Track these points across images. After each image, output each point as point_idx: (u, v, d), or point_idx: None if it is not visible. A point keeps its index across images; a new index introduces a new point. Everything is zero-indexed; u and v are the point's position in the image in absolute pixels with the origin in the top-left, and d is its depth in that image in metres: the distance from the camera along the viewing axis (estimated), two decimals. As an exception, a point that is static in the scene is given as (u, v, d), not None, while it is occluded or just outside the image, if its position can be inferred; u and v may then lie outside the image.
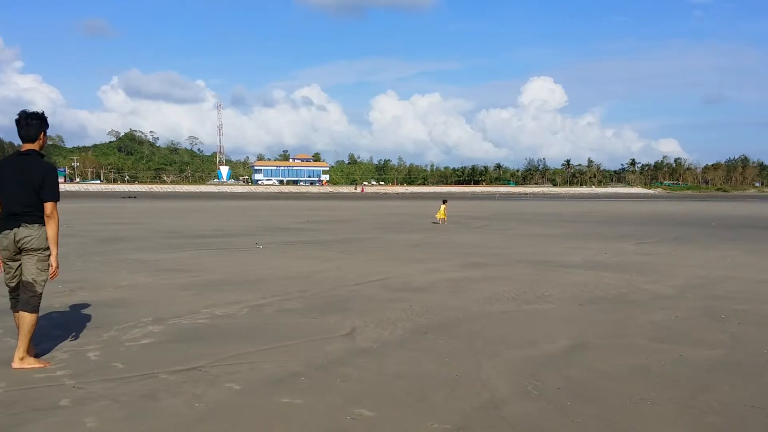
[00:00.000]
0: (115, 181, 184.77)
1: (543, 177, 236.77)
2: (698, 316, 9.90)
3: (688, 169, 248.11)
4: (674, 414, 5.71)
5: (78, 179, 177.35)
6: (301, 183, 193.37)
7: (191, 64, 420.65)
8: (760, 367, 7.20)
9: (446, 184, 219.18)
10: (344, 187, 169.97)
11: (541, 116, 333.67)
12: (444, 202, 34.58)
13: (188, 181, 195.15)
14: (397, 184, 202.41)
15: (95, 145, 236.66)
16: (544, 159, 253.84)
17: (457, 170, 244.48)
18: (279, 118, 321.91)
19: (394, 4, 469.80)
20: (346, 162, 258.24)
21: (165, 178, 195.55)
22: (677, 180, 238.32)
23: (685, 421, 5.55)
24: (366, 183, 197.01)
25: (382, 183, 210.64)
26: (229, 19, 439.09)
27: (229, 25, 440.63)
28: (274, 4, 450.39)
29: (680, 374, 6.89)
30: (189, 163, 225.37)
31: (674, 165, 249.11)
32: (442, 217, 32.88)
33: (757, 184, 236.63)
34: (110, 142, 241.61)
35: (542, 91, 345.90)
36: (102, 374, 6.71)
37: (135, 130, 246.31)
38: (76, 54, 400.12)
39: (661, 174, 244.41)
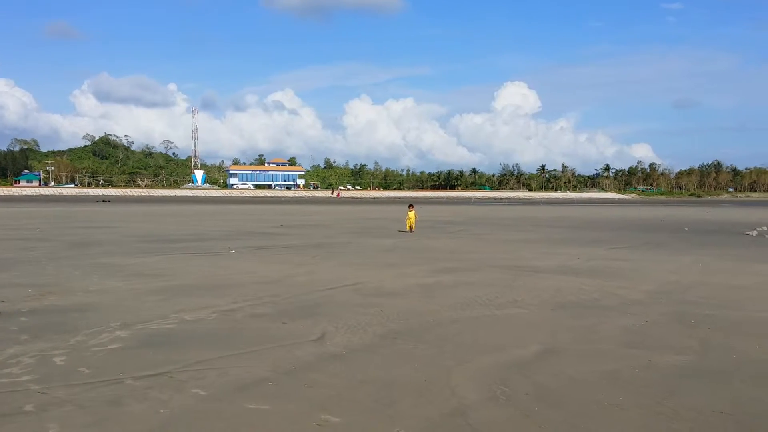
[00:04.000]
0: (89, 185, 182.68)
1: (518, 182, 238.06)
2: (669, 322, 9.98)
3: (661, 174, 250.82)
4: (643, 420, 5.73)
5: (53, 183, 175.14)
6: (277, 187, 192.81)
7: (162, 67, 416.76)
8: (729, 373, 7.25)
9: (422, 188, 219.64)
10: (320, 192, 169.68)
11: (515, 121, 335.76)
12: (411, 207, 30.92)
13: (163, 185, 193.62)
14: (373, 189, 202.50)
15: (70, 149, 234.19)
16: (518, 164, 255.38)
17: (433, 175, 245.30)
18: (252, 123, 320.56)
19: (360, 6, 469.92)
20: (322, 166, 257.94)
21: (140, 182, 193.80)
22: (651, 185, 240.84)
23: (653, 427, 5.57)
24: (342, 187, 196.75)
25: (358, 188, 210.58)
26: (197, 22, 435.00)
27: (197, 29, 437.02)
28: (241, 8, 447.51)
29: (649, 380, 6.93)
30: (164, 167, 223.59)
31: (648, 170, 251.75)
32: (411, 224, 29.39)
33: (730, 190, 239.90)
34: (85, 146, 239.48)
35: (516, 96, 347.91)
36: (67, 379, 6.60)
37: (110, 135, 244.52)
38: (46, 58, 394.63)
39: (635, 179, 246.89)
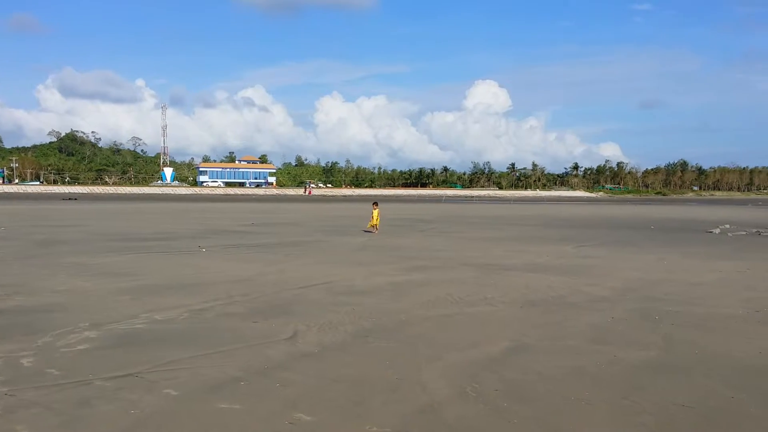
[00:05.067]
0: (55, 182, 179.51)
1: (489, 180, 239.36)
2: (634, 318, 10.18)
3: (629, 173, 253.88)
4: (608, 414, 5.87)
5: (17, 180, 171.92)
6: (248, 185, 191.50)
7: (129, 63, 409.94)
8: (692, 367, 7.44)
9: (393, 186, 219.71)
10: (291, 190, 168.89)
11: (486, 120, 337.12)
12: (375, 205, 29.74)
13: (131, 182, 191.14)
14: (345, 187, 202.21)
15: (35, 146, 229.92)
16: (489, 162, 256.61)
17: (405, 173, 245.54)
18: (222, 120, 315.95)
19: (329, 3, 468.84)
20: (293, 164, 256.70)
21: (107, 180, 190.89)
22: (619, 184, 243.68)
23: (619, 420, 5.71)
24: (314, 185, 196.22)
25: (330, 185, 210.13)
26: (164, 17, 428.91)
27: (165, 24, 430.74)
28: (209, 3, 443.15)
29: (615, 375, 7.08)
30: (132, 164, 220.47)
31: (616, 169, 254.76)
32: (374, 223, 28.45)
33: (694, 188, 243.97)
34: (51, 142, 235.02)
35: (487, 94, 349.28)
36: (36, 381, 6.55)
37: (76, 131, 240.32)
38: (9, 52, 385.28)
39: (603, 178, 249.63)
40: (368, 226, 28.84)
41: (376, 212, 28.81)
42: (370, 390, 6.42)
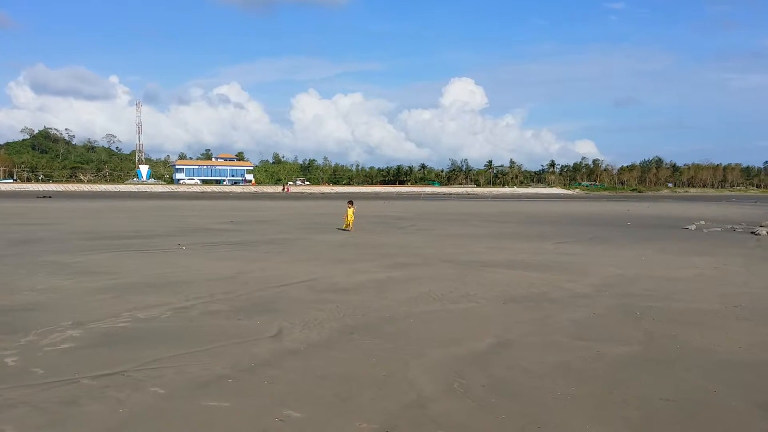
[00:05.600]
0: (29, 180, 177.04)
1: (467, 177, 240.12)
2: (615, 314, 10.31)
3: (605, 170, 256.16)
4: (594, 408, 5.95)
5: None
6: (225, 182, 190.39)
7: (102, 59, 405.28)
8: (672, 361, 7.56)
9: (372, 184, 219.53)
10: (269, 187, 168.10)
11: (463, 117, 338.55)
12: (350, 203, 29.08)
13: (106, 180, 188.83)
14: (323, 184, 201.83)
15: (7, 143, 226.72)
16: (466, 160, 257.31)
17: (383, 170, 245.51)
18: (198, 117, 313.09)
19: (305, 0, 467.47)
20: (271, 161, 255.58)
21: (82, 177, 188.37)
22: (595, 181, 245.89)
23: (604, 415, 5.79)
24: (292, 183, 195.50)
25: (308, 183, 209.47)
26: (138, 13, 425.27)
27: (138, 20, 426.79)
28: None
29: (598, 370, 7.18)
30: (107, 161, 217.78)
31: (592, 166, 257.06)
32: (349, 222, 27.96)
33: (669, 185, 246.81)
34: (24, 139, 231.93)
35: (463, 92, 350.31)
36: (21, 380, 6.50)
37: (50, 128, 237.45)
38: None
39: (580, 175, 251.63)
40: (343, 225, 28.42)
41: (351, 210, 28.34)
42: (357, 386, 6.45)
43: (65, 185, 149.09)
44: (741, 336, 8.87)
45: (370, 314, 10.01)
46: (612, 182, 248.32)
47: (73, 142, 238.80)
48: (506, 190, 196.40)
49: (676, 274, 15.06)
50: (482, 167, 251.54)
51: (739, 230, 30.77)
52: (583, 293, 12.23)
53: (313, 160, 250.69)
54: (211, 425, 5.44)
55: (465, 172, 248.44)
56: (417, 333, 8.82)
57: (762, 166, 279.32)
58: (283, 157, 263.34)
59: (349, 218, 28.04)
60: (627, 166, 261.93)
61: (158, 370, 6.92)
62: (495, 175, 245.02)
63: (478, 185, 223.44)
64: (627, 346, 8.27)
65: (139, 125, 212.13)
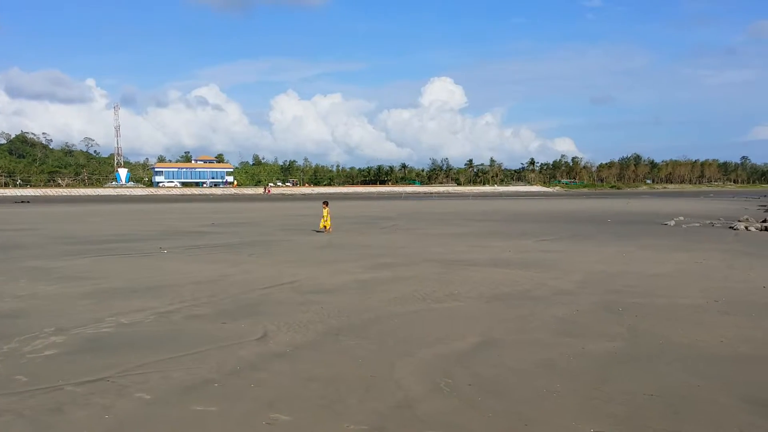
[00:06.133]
0: (6, 185, 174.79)
1: (447, 176, 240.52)
2: (598, 310, 10.39)
3: (584, 167, 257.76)
4: (579, 405, 6.00)
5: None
6: (206, 185, 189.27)
7: (77, 62, 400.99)
8: (656, 357, 7.63)
9: (353, 184, 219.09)
10: (249, 189, 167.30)
11: (442, 116, 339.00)
12: (325, 204, 28.28)
13: (85, 184, 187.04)
14: (304, 185, 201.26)
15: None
16: (447, 159, 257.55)
17: (363, 170, 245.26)
18: (176, 119, 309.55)
19: (282, 1, 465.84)
20: (251, 163, 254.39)
21: (60, 182, 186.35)
22: (574, 178, 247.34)
23: (589, 411, 5.84)
24: (281, 184, 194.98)
25: (289, 183, 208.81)
26: (112, 16, 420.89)
27: (113, 23, 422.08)
28: (157, 0, 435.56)
29: (583, 367, 7.23)
30: (85, 165, 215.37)
31: (571, 164, 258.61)
32: (326, 223, 27.21)
33: (648, 181, 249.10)
34: (0, 144, 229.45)
35: (443, 91, 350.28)
36: (4, 388, 6.43)
37: (26, 132, 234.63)
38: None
39: (559, 173, 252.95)
40: (320, 226, 27.54)
41: (326, 211, 27.60)
42: (344, 388, 6.45)
43: (43, 190, 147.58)
44: (723, 330, 8.97)
45: (355, 315, 10.00)
46: (591, 179, 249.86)
47: (51, 146, 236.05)
48: (487, 188, 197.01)
49: (658, 269, 15.20)
50: (463, 166, 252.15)
51: (718, 225, 31.10)
52: (566, 290, 12.30)
53: (294, 161, 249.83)
54: (199, 429, 5.41)
55: (446, 171, 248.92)
56: (402, 333, 8.83)
57: (739, 162, 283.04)
58: (263, 158, 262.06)
59: (325, 219, 27.31)
60: (606, 164, 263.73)
61: (143, 375, 6.87)
62: (475, 174, 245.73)
63: (459, 184, 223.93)
64: (611, 342, 8.34)
65: (118, 128, 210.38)
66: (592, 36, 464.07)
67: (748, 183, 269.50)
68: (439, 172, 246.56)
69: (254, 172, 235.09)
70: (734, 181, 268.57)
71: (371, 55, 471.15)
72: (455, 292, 12.13)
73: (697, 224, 31.80)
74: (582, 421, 5.59)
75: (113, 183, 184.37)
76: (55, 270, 15.35)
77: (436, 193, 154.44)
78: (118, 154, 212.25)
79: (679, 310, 10.34)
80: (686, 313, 10.12)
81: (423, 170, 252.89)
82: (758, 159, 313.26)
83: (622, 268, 15.49)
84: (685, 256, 17.78)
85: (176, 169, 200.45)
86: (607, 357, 7.63)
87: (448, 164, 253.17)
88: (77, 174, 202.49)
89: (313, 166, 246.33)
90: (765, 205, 59.54)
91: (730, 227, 29.30)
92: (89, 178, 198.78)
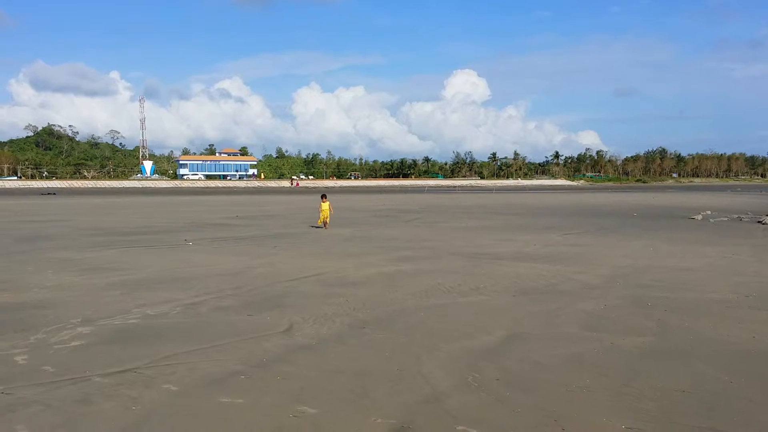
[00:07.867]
0: (33, 177, 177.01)
1: (470, 170, 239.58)
2: (626, 305, 10.24)
3: (609, 161, 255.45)
4: (610, 401, 5.89)
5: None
6: (233, 177, 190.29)
7: (101, 55, 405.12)
8: (687, 353, 7.50)
9: (375, 177, 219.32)
10: (273, 182, 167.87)
11: (465, 109, 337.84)
12: (323, 197, 26.42)
13: (110, 176, 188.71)
14: (328, 178, 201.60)
15: (11, 141, 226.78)
16: (470, 152, 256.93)
17: (386, 163, 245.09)
18: (200, 112, 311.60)
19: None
20: (274, 156, 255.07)
21: (86, 174, 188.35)
22: (599, 172, 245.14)
23: (620, 407, 5.73)
24: (295, 177, 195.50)
25: (312, 177, 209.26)
26: (135, 10, 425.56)
27: (136, 16, 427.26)
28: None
29: (613, 362, 7.11)
30: (110, 157, 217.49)
31: (596, 157, 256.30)
32: (325, 218, 25.55)
33: (674, 175, 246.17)
34: (27, 137, 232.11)
35: (466, 84, 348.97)
36: (32, 379, 6.46)
37: (53, 125, 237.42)
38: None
39: (584, 166, 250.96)
40: (318, 221, 26.08)
41: (325, 205, 25.80)
42: (371, 381, 6.40)
43: (69, 182, 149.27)
44: (755, 325, 8.80)
45: (381, 308, 9.96)
46: (616, 173, 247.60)
47: (77, 139, 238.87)
48: (510, 182, 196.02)
49: (686, 263, 14.98)
50: (486, 159, 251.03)
51: (746, 220, 30.63)
52: (593, 284, 12.16)
53: (317, 154, 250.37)
54: (226, 422, 5.40)
55: (469, 164, 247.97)
56: (428, 326, 8.77)
57: (766, 156, 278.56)
58: (287, 151, 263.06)
59: (324, 214, 25.63)
60: (631, 157, 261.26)
61: (170, 366, 6.88)
62: (499, 167, 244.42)
63: (483, 177, 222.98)
64: (640, 337, 8.21)
65: (143, 121, 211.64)
66: (616, 29, 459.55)
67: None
68: (462, 166, 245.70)
69: (278, 164, 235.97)
70: (762, 176, 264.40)
71: (394, 48, 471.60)
72: (481, 285, 12.03)
73: (725, 218, 31.34)
74: (613, 417, 5.50)
75: (138, 175, 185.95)
76: (81, 261, 15.48)
77: (459, 186, 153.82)
78: (143, 146, 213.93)
79: (710, 305, 10.17)
80: (717, 308, 9.94)
81: (446, 163, 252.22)
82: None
83: (650, 262, 15.28)
84: (713, 251, 17.51)
85: (200, 162, 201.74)
86: (636, 352, 7.50)
87: (471, 157, 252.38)
88: (103, 166, 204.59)
89: (336, 159, 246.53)
90: (795, 200, 58.56)
91: (759, 222, 28.84)
92: (114, 171, 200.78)
